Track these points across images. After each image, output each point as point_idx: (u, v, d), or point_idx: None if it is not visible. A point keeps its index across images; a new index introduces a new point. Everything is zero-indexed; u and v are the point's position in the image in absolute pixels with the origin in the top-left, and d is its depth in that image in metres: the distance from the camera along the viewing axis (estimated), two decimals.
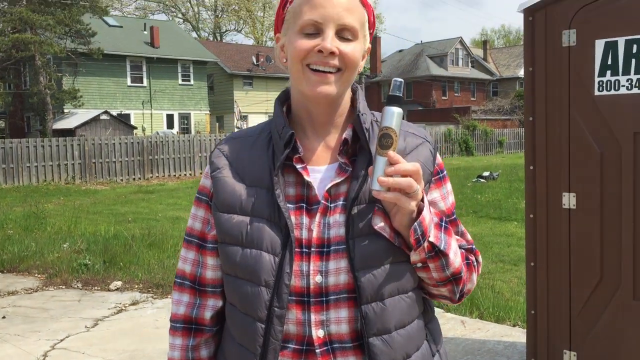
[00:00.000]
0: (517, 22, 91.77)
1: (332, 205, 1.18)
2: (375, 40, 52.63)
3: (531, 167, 3.18)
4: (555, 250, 3.14)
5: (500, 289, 5.85)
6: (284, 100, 1.29)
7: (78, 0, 28.49)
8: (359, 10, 1.19)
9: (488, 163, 24.05)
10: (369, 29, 1.24)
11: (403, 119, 1.18)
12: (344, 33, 1.16)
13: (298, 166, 1.20)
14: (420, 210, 1.14)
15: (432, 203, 1.24)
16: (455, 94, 51.44)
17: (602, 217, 2.97)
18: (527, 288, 3.34)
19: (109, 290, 6.28)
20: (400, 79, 1.15)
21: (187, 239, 1.33)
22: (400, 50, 56.15)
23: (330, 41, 1.14)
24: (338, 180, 1.19)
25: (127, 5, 61.39)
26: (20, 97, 32.02)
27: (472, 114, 38.52)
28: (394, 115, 1.13)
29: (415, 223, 1.12)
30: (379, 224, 1.15)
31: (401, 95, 1.14)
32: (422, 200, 1.14)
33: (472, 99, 52.20)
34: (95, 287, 6.38)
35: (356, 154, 1.22)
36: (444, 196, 1.29)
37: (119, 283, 6.41)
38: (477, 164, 23.38)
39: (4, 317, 5.41)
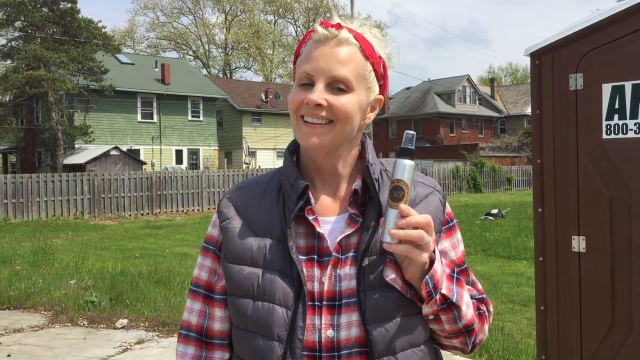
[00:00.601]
0: (524, 61, 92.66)
1: (342, 257, 1.18)
2: None
3: (540, 210, 3.16)
4: (565, 294, 3.10)
5: (510, 330, 5.77)
6: (293, 150, 1.29)
7: (91, 38, 29.05)
8: (357, 62, 1.19)
9: (496, 200, 23.96)
10: (379, 79, 1.24)
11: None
12: (337, 84, 1.17)
13: (310, 217, 1.19)
14: (431, 262, 1.13)
15: (443, 253, 1.24)
16: (463, 131, 51.62)
17: (613, 260, 2.95)
18: (537, 332, 3.29)
19: (114, 328, 6.24)
20: (412, 132, 1.16)
21: (193, 289, 1.31)
22: (408, 88, 56.62)
23: (317, 93, 1.15)
24: (349, 232, 1.18)
25: (139, 43, 62.61)
26: (32, 132, 32.43)
27: (480, 151, 38.58)
28: (405, 167, 1.13)
29: (427, 276, 1.12)
30: (390, 276, 1.14)
31: (413, 147, 1.15)
32: (434, 251, 1.14)
33: (480, 136, 52.34)
34: (101, 325, 6.34)
35: (366, 204, 1.21)
36: (455, 245, 1.28)
37: (124, 321, 6.37)
38: (485, 201, 23.29)
39: (9, 356, 5.37)
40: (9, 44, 29.72)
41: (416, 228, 1.09)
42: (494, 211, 16.93)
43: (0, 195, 18.22)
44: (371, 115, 1.25)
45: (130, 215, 20.51)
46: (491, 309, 1.31)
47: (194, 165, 36.64)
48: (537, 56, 3.15)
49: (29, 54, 27.01)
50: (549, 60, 3.10)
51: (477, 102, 53.57)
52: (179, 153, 36.68)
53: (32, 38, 28.82)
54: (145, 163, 31.35)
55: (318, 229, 1.18)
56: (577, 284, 3.06)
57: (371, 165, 1.22)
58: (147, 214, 20.96)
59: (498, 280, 8.20)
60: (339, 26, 1.18)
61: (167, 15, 62.75)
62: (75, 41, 28.94)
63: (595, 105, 2.96)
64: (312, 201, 1.20)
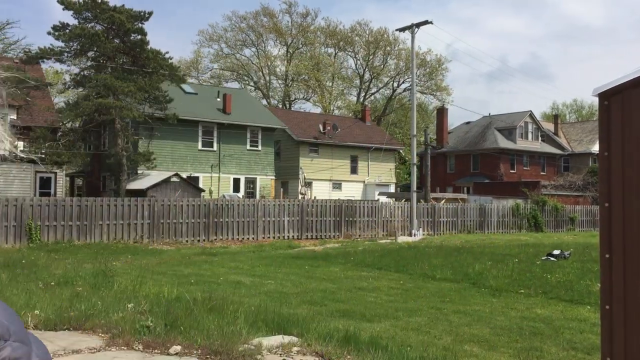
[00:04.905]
0: (589, 97, 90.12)
1: None
2: (442, 112, 52.75)
3: (607, 256, 3.03)
4: (634, 346, 2.94)
5: None
6: None
7: (158, 69, 30.15)
8: None
9: (558, 240, 23.15)
10: None
11: None
12: None
13: None
14: None
15: None
16: (524, 168, 50.45)
17: None
18: None
19: (168, 354, 6.30)
20: None
21: None
22: (467, 122, 55.98)
23: None
24: None
25: (203, 73, 64.58)
26: (99, 157, 33.72)
27: (542, 189, 37.55)
28: None
29: None
30: None
31: None
32: None
33: (542, 173, 51.01)
34: (156, 350, 6.41)
35: None
36: None
37: (178, 347, 6.43)
38: (546, 241, 22.54)
39: None
40: (82, 73, 31.16)
41: None
42: (556, 252, 16.34)
43: (66, 217, 18.92)
44: None
45: (187, 241, 20.89)
46: None
47: (250, 193, 37.15)
48: (606, 97, 3.05)
49: (99, 83, 28.23)
50: (619, 101, 3.00)
51: (540, 138, 52.37)
52: (236, 181, 37.30)
53: (103, 67, 30.15)
54: (203, 190, 32.01)
55: None
56: None
57: None
58: (204, 240, 21.30)
59: (560, 325, 7.87)
60: None
61: (230, 47, 64.70)
62: (143, 71, 30.09)
63: None
64: None
